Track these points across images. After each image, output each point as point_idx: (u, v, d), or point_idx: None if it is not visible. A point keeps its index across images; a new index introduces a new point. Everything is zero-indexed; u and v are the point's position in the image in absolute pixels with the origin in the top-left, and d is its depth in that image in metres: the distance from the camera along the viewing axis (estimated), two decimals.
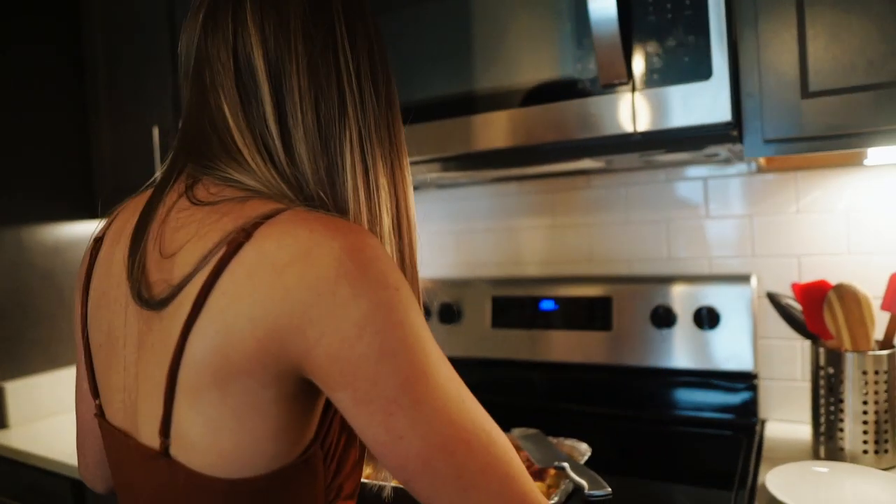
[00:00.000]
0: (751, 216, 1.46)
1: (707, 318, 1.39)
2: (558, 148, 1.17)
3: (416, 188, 1.82)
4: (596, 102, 1.09)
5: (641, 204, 1.57)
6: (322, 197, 0.65)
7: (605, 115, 1.08)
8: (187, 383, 0.59)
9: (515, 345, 1.60)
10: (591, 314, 1.51)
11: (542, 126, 1.14)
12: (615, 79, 1.06)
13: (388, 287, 0.58)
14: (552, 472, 1.10)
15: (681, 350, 1.42)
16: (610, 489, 0.96)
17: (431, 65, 1.23)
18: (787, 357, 1.42)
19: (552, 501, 0.98)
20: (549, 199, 1.68)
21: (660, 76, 1.04)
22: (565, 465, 1.07)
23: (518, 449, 1.20)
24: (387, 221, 0.70)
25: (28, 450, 1.57)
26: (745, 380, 1.38)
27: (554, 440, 1.21)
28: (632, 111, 1.06)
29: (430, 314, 1.72)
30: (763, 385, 1.42)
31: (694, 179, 1.51)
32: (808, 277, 1.38)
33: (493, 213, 1.75)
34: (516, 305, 1.61)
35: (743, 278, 1.40)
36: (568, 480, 1.05)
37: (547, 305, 1.57)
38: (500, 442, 0.62)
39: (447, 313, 1.69)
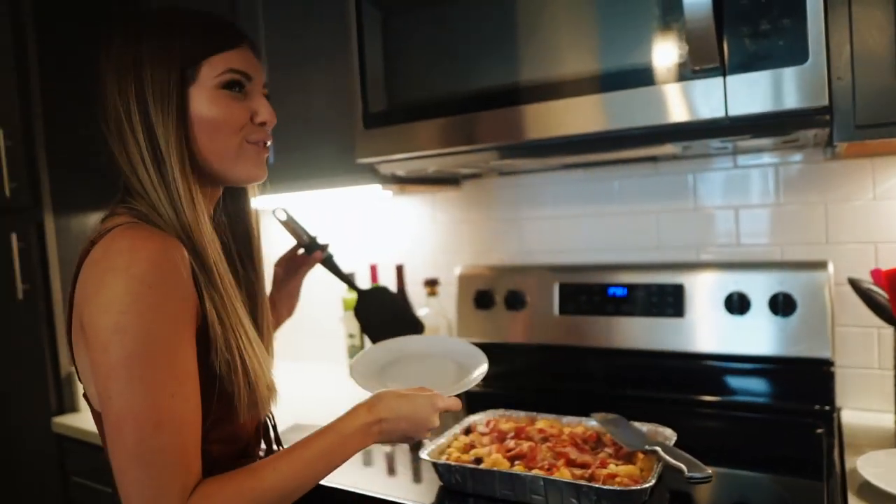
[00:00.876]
0: (825, 203, 1.44)
1: (783, 305, 1.39)
2: (643, 134, 1.17)
3: (478, 175, 1.83)
4: (685, 87, 1.08)
5: (711, 190, 1.56)
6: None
7: (695, 100, 1.08)
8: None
9: (583, 331, 1.61)
10: (662, 301, 1.51)
11: (626, 112, 1.14)
12: (706, 63, 1.05)
13: (142, 282, 0.77)
14: (641, 455, 1.10)
15: (755, 337, 1.42)
16: (710, 471, 0.96)
17: (515, 49, 1.23)
18: (863, 345, 1.41)
19: (648, 484, 0.99)
20: (615, 185, 1.67)
21: (753, 60, 1.03)
22: (657, 448, 1.07)
23: (602, 433, 1.22)
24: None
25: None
26: (821, 367, 1.38)
27: (636, 425, 1.22)
28: (723, 96, 1.06)
29: (494, 301, 1.73)
30: (838, 373, 1.41)
31: (765, 166, 1.50)
32: (886, 265, 1.37)
33: (559, 200, 1.75)
34: (584, 292, 1.61)
35: (820, 265, 1.39)
36: (660, 463, 1.05)
37: (616, 292, 1.57)
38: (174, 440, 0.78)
39: (512, 300, 1.70)
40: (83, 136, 1.83)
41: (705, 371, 1.48)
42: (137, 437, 0.76)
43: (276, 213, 1.31)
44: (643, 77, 1.12)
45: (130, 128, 0.87)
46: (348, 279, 1.36)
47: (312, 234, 1.32)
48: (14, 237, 1.84)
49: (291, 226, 1.30)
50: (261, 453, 1.04)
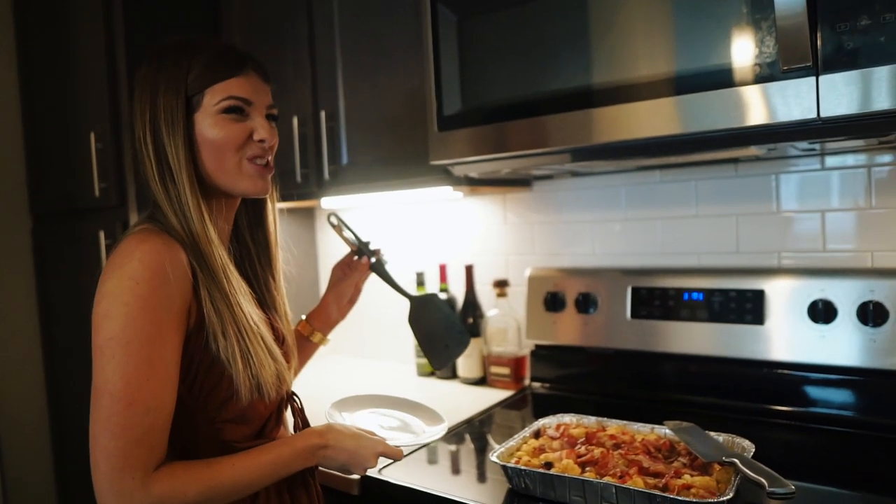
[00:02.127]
0: None
1: (873, 314, 1.32)
2: (724, 136, 1.13)
3: (550, 177, 1.81)
4: (774, 88, 1.04)
5: (794, 193, 1.50)
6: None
7: (785, 101, 1.03)
8: None
9: (657, 337, 1.57)
10: (741, 307, 1.46)
11: (708, 114, 1.10)
12: (798, 62, 1.01)
13: (131, 278, 0.88)
14: (717, 467, 1.07)
15: (843, 347, 1.35)
16: (793, 487, 0.93)
17: (590, 51, 1.21)
18: None
19: (726, 497, 0.96)
20: (692, 187, 1.63)
21: (850, 58, 0.98)
22: (735, 460, 1.03)
23: (676, 442, 1.19)
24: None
25: None
26: None
27: (711, 435, 1.18)
28: (815, 96, 1.01)
29: (565, 303, 1.71)
30: None
31: (855, 168, 1.43)
32: None
33: (632, 202, 1.72)
34: (658, 296, 1.58)
35: None
36: (738, 476, 1.02)
37: (692, 297, 1.53)
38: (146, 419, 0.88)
39: (583, 303, 1.67)
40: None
41: (787, 381, 1.42)
42: (110, 410, 0.87)
43: (329, 219, 1.36)
44: (726, 78, 1.08)
45: (145, 148, 1.00)
46: (398, 286, 1.39)
47: (364, 239, 1.38)
48: (102, 234, 1.93)
49: (342, 231, 1.36)
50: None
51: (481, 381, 1.88)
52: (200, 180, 1.02)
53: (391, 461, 1.11)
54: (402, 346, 2.19)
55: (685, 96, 1.12)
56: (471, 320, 1.90)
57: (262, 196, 1.10)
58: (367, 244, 1.37)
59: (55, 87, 2.14)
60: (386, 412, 1.33)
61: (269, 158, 1.08)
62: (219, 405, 0.99)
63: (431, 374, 2.01)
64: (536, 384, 1.80)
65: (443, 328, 1.42)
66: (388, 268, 1.38)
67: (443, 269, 1.98)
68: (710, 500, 0.95)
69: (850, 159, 1.43)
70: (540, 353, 1.79)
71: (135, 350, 0.87)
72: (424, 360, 2.01)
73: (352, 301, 1.38)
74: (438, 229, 2.11)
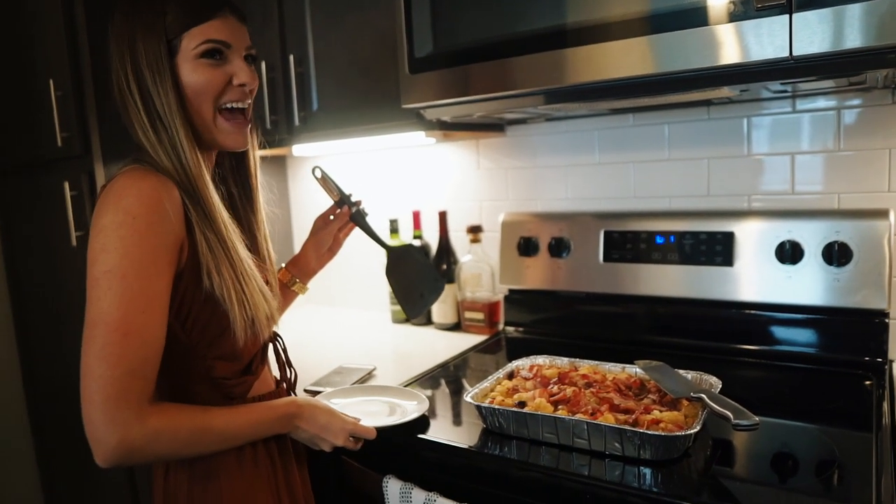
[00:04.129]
0: (889, 149, 1.38)
1: (838, 255, 1.34)
2: (698, 76, 1.12)
3: (523, 121, 1.80)
4: (747, 26, 1.03)
5: (765, 136, 1.51)
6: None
7: (758, 40, 1.03)
8: None
9: (629, 279, 1.59)
10: (711, 249, 1.48)
11: (681, 53, 1.09)
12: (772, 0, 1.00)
13: (128, 213, 0.89)
14: (685, 402, 1.10)
15: (808, 287, 1.38)
16: (757, 419, 0.96)
17: None
18: None
19: (692, 430, 0.98)
20: (664, 130, 1.63)
21: None
22: (702, 395, 1.06)
23: (646, 380, 1.22)
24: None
25: None
26: (876, 318, 1.34)
27: (680, 373, 1.21)
28: (788, 35, 1.00)
29: (538, 248, 1.72)
30: (892, 325, 1.37)
31: (825, 110, 1.43)
32: None
33: (606, 146, 1.72)
34: (630, 240, 1.59)
35: (880, 213, 1.34)
36: (705, 410, 1.05)
37: (663, 240, 1.54)
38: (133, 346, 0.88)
39: (556, 247, 1.68)
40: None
41: (754, 321, 1.46)
42: (105, 340, 0.87)
43: (314, 172, 1.37)
44: (699, 17, 1.06)
45: (130, 95, 0.99)
46: (377, 237, 1.41)
47: (346, 192, 1.39)
48: (66, 185, 1.88)
49: (326, 183, 1.37)
50: (276, 374, 1.23)
51: (456, 327, 1.90)
52: (191, 124, 1.01)
53: (363, 440, 1.14)
54: (376, 294, 2.19)
55: (658, 35, 1.11)
56: (444, 266, 1.90)
57: (241, 149, 1.11)
58: (348, 196, 1.38)
59: (8, 32, 2.05)
60: (374, 399, 1.35)
61: (249, 104, 1.08)
62: (210, 342, 1.01)
63: (406, 320, 2.02)
64: (510, 328, 1.82)
65: (419, 278, 1.45)
66: (369, 220, 1.39)
67: (416, 215, 1.97)
68: (677, 434, 0.98)
69: (820, 102, 1.43)
70: (513, 297, 1.81)
71: (131, 282, 0.88)
72: (399, 308, 2.02)
73: (331, 251, 1.39)
74: (411, 176, 2.10)
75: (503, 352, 1.71)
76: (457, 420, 1.29)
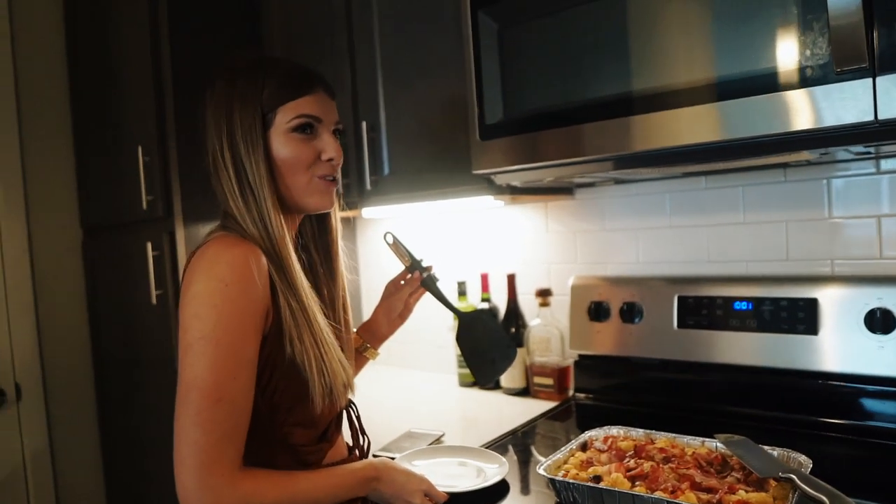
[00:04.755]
0: None
1: None
2: (777, 141, 1.10)
3: (592, 184, 1.79)
4: (827, 90, 1.01)
5: (847, 198, 1.45)
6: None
7: (840, 104, 1.00)
8: None
9: (704, 346, 1.53)
10: (793, 317, 1.42)
11: (758, 118, 1.07)
12: (853, 63, 0.97)
13: (221, 280, 0.92)
14: (773, 483, 1.03)
15: None
16: None
17: (633, 57, 1.19)
18: None
19: None
20: (739, 193, 1.59)
21: None
22: (793, 476, 1.00)
23: (728, 456, 1.16)
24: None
25: None
26: None
27: (766, 449, 1.14)
28: (872, 98, 0.98)
29: (609, 313, 1.68)
30: None
31: None
32: None
33: (677, 209, 1.69)
34: (706, 305, 1.54)
35: None
36: (796, 493, 0.98)
37: (741, 306, 1.49)
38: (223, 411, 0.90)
39: (628, 312, 1.64)
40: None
41: (843, 393, 1.37)
42: (199, 405, 0.88)
43: (385, 238, 1.38)
44: (774, 82, 1.05)
45: (223, 163, 1.03)
46: (448, 302, 1.39)
47: (418, 257, 1.39)
48: (149, 246, 1.97)
49: (398, 248, 1.38)
50: (349, 441, 1.24)
51: (524, 392, 1.86)
52: (276, 194, 1.05)
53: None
54: (443, 357, 2.18)
55: (734, 101, 1.09)
56: (513, 330, 1.88)
57: (327, 210, 1.13)
58: (419, 261, 1.38)
59: (103, 102, 2.20)
60: (450, 460, 1.35)
61: (337, 175, 1.11)
62: (289, 408, 1.02)
63: (473, 384, 1.99)
64: (580, 395, 1.78)
65: (490, 344, 1.42)
66: (440, 285, 1.39)
67: (484, 278, 1.97)
68: None
69: None
70: (584, 363, 1.77)
71: (224, 349, 0.90)
72: (466, 371, 2.00)
73: (402, 317, 1.39)
74: (480, 238, 2.11)
75: (573, 419, 1.67)
76: (525, 490, 1.25)
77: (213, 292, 0.91)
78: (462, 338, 1.40)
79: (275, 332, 0.99)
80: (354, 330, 1.38)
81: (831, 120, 1.01)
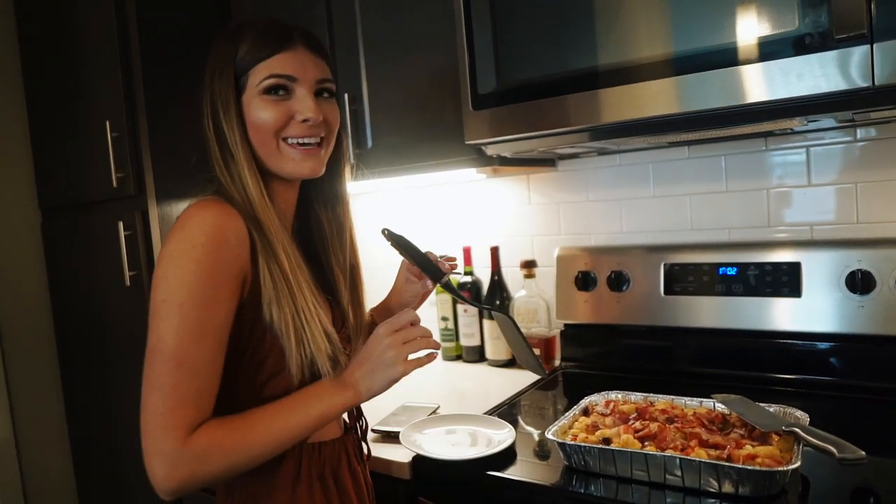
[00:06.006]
0: None
1: None
2: (773, 108, 1.13)
3: (575, 155, 1.80)
4: (826, 57, 1.04)
5: (827, 166, 1.50)
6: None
7: (836, 71, 1.03)
8: None
9: (691, 312, 1.58)
10: (777, 280, 1.47)
11: (759, 85, 1.10)
12: (852, 31, 1.01)
13: (188, 241, 0.89)
14: (776, 436, 1.07)
15: (881, 317, 1.36)
16: (863, 453, 0.93)
17: (634, 24, 1.20)
18: None
19: (794, 465, 0.96)
20: (721, 162, 1.63)
21: None
22: (796, 429, 1.04)
23: (727, 414, 1.19)
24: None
25: None
26: None
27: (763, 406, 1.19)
28: (870, 64, 1.01)
29: (596, 282, 1.71)
30: None
31: (888, 138, 1.43)
32: None
33: (661, 179, 1.72)
34: (692, 272, 1.58)
35: None
36: (801, 445, 1.02)
37: (727, 272, 1.53)
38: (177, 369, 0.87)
39: (616, 281, 1.67)
40: (181, 131, 1.88)
41: (826, 353, 1.43)
42: (160, 369, 0.87)
43: (383, 233, 1.23)
44: (775, 49, 1.07)
45: (208, 132, 1.02)
46: (474, 303, 1.38)
47: (423, 251, 1.24)
48: (120, 225, 1.90)
49: (404, 252, 1.23)
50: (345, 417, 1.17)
51: (510, 363, 1.88)
52: (257, 161, 1.02)
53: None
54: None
55: (735, 68, 1.11)
56: (498, 302, 1.89)
57: (309, 177, 1.07)
58: (433, 264, 1.22)
59: (62, 75, 2.09)
60: (454, 428, 1.35)
61: (319, 137, 1.04)
62: (266, 379, 0.99)
63: (458, 357, 2.00)
64: (567, 364, 1.80)
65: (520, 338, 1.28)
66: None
67: (467, 251, 1.97)
68: (777, 469, 0.96)
69: (884, 130, 1.43)
70: (570, 332, 1.80)
71: (187, 312, 0.87)
72: (450, 344, 2.01)
73: (414, 308, 1.31)
74: (461, 211, 2.10)
75: (560, 388, 1.69)
76: (532, 458, 1.26)
77: (180, 254, 0.89)
78: (509, 338, 1.28)
79: (251, 298, 0.95)
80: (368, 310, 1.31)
81: (830, 86, 1.04)
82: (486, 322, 1.91)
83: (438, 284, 1.23)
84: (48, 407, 2.35)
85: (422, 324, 1.06)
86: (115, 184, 1.89)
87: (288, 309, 0.96)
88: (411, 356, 1.02)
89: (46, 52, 2.15)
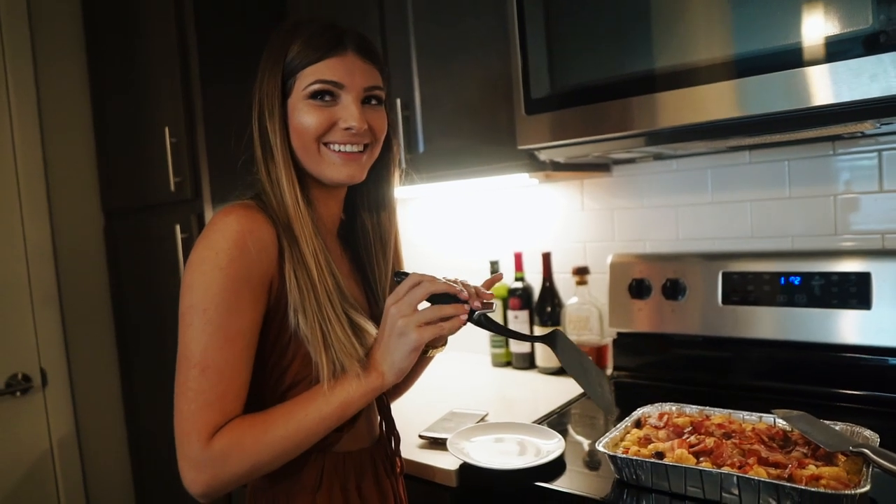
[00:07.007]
0: None
1: None
2: (843, 111, 1.07)
3: (631, 160, 1.76)
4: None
5: None
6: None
7: None
8: None
9: (750, 323, 1.51)
10: (844, 291, 1.40)
11: (823, 88, 1.05)
12: None
13: (211, 248, 0.89)
14: (842, 457, 1.02)
15: None
16: None
17: (692, 27, 1.16)
18: None
19: (863, 489, 0.91)
20: (784, 167, 1.56)
21: None
22: (865, 450, 0.98)
23: (789, 431, 1.14)
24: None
25: None
26: None
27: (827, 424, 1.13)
28: None
29: (651, 290, 1.66)
30: None
31: None
32: None
33: (719, 185, 1.66)
34: (752, 281, 1.52)
35: None
36: (871, 467, 0.97)
37: (790, 281, 1.47)
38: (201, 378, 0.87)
39: (671, 289, 1.63)
40: (237, 136, 1.91)
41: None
42: (186, 375, 0.88)
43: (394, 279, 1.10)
44: (850, 49, 1.02)
45: (254, 132, 1.02)
46: (516, 334, 1.07)
47: (452, 278, 1.02)
48: (178, 227, 1.95)
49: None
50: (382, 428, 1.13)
51: (560, 371, 1.85)
52: (298, 165, 1.01)
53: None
54: (473, 336, 2.15)
55: (800, 69, 1.06)
56: (549, 309, 1.86)
57: (348, 184, 1.04)
58: (465, 303, 0.97)
59: (126, 83, 2.17)
60: (502, 437, 1.33)
61: (363, 145, 1.02)
62: (289, 385, 0.98)
63: (507, 363, 1.98)
64: (619, 373, 1.76)
65: (581, 356, 1.07)
66: (494, 316, 1.18)
67: (518, 257, 1.95)
68: (844, 492, 0.90)
69: None
70: (623, 341, 1.75)
71: (211, 317, 0.87)
72: (499, 351, 1.99)
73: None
74: (512, 217, 2.08)
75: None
76: (581, 470, 1.23)
77: (203, 260, 0.89)
78: (567, 364, 1.03)
79: (279, 304, 0.94)
80: None
81: None
82: (535, 328, 1.89)
83: (470, 322, 0.98)
84: (109, 406, 2.42)
85: (468, 326, 0.97)
86: (172, 188, 1.94)
87: (314, 316, 0.94)
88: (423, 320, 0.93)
89: (110, 64, 2.23)
